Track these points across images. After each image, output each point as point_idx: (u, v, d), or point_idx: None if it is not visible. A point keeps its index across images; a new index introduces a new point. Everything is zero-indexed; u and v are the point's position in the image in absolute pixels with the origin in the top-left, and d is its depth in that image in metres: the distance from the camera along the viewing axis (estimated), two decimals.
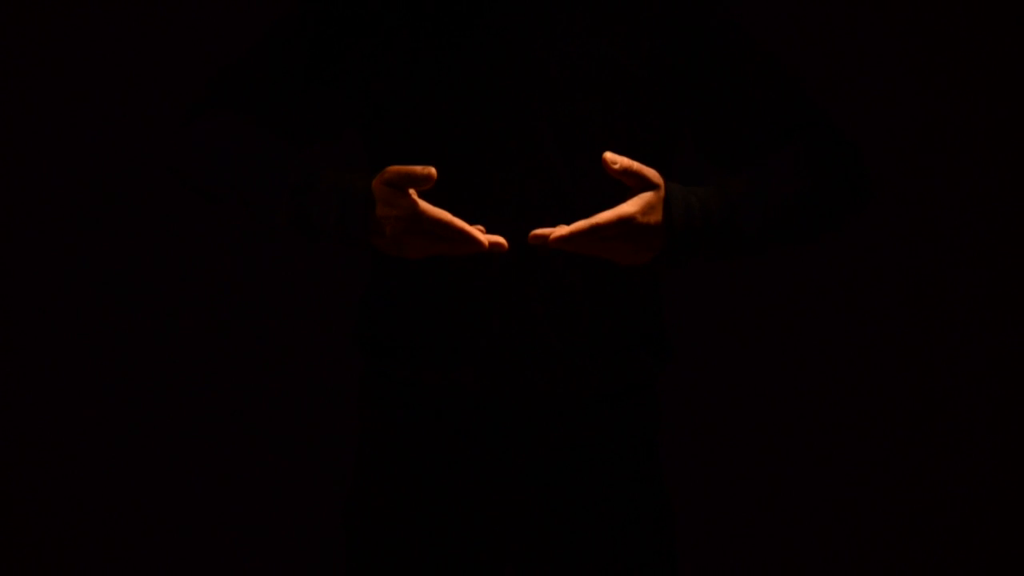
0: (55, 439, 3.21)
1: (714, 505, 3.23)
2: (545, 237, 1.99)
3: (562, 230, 1.98)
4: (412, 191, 1.98)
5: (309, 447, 3.22)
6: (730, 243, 2.09)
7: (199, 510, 3.23)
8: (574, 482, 2.19)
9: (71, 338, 3.19)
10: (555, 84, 2.11)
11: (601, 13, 2.14)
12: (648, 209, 2.01)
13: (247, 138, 2.17)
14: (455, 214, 2.11)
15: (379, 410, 2.24)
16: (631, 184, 2.03)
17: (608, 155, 2.01)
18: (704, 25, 2.18)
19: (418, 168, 1.98)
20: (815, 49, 3.09)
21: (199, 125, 2.20)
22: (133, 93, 3.13)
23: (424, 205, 1.99)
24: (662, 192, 2.03)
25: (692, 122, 2.21)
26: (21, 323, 3.18)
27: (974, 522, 3.19)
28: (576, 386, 2.17)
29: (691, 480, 3.15)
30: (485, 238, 1.99)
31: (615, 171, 2.02)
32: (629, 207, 2.00)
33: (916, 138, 3.13)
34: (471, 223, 2.10)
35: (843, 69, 3.11)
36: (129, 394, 3.20)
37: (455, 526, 2.19)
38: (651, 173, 2.03)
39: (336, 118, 2.23)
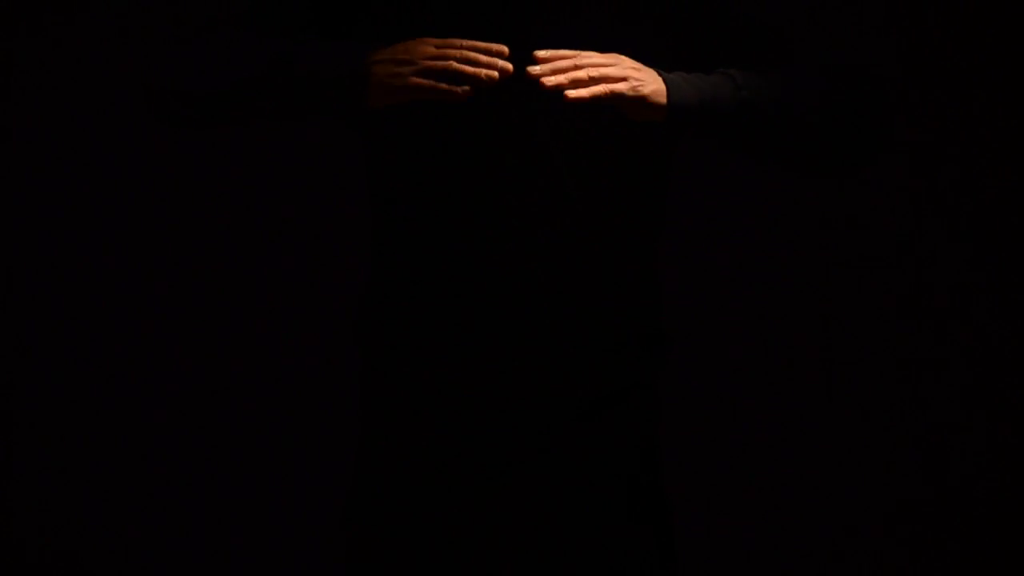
0: (54, 437, 3.20)
1: (714, 504, 3.23)
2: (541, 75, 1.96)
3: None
4: None
5: (309, 446, 3.22)
6: (730, 94, 2.04)
7: (198, 509, 3.22)
8: (573, 480, 2.19)
9: (70, 337, 3.19)
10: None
11: (601, 8, 2.13)
12: (635, 62, 2.02)
13: (228, 32, 2.10)
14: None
15: (379, 409, 2.24)
16: None
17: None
18: (704, 12, 2.16)
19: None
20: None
21: (181, 42, 2.12)
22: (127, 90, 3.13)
23: None
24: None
25: None
26: (20, 322, 3.18)
27: (973, 522, 3.19)
28: (576, 384, 2.17)
29: (691, 479, 3.14)
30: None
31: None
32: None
33: (915, 137, 3.13)
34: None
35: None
36: (128, 393, 3.20)
37: (454, 524, 2.18)
38: None
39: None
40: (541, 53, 1.98)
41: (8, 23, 3.12)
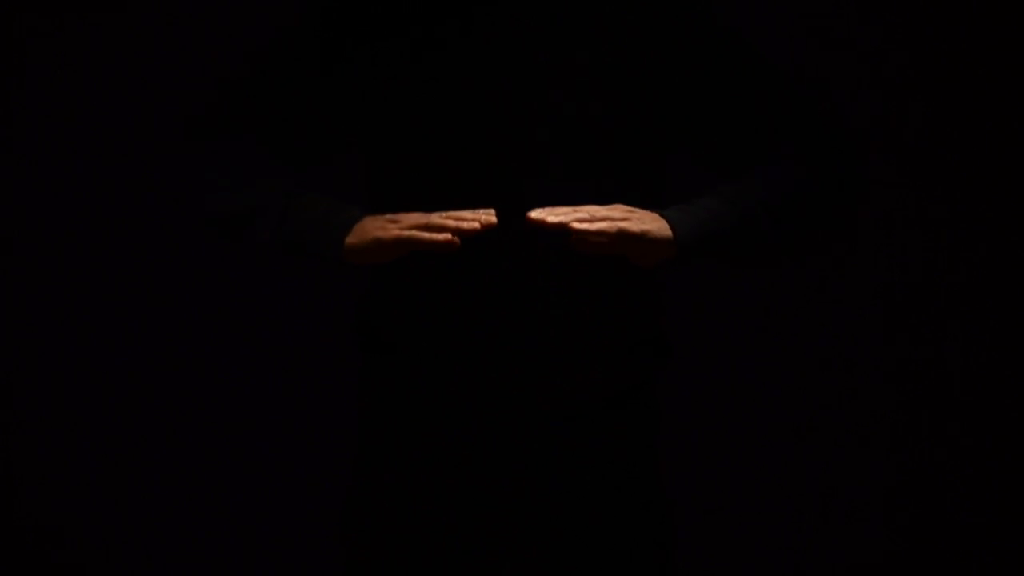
0: (55, 438, 3.21)
1: (713, 505, 3.23)
2: (544, 220, 1.98)
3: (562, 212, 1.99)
4: None
5: (308, 447, 3.22)
6: (728, 214, 2.07)
7: (197, 509, 3.23)
8: (573, 482, 2.19)
9: (70, 337, 3.19)
10: (553, 89, 2.11)
11: (595, 21, 2.14)
12: (629, 207, 2.03)
13: (250, 163, 2.16)
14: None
15: (378, 409, 2.24)
16: None
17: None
18: (692, 27, 2.18)
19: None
20: (809, 48, 3.10)
21: (203, 153, 2.18)
22: (130, 92, 3.14)
23: None
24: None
25: (684, 123, 2.20)
26: (20, 323, 3.18)
27: (972, 522, 3.19)
28: (576, 386, 2.18)
29: (690, 480, 3.15)
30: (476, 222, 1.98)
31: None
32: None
33: (914, 140, 3.14)
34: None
35: (838, 68, 3.11)
36: (128, 393, 3.20)
37: (453, 526, 2.19)
38: None
39: (335, 132, 2.22)
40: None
41: (9, 24, 3.13)
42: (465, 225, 1.97)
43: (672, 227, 2.03)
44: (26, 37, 3.13)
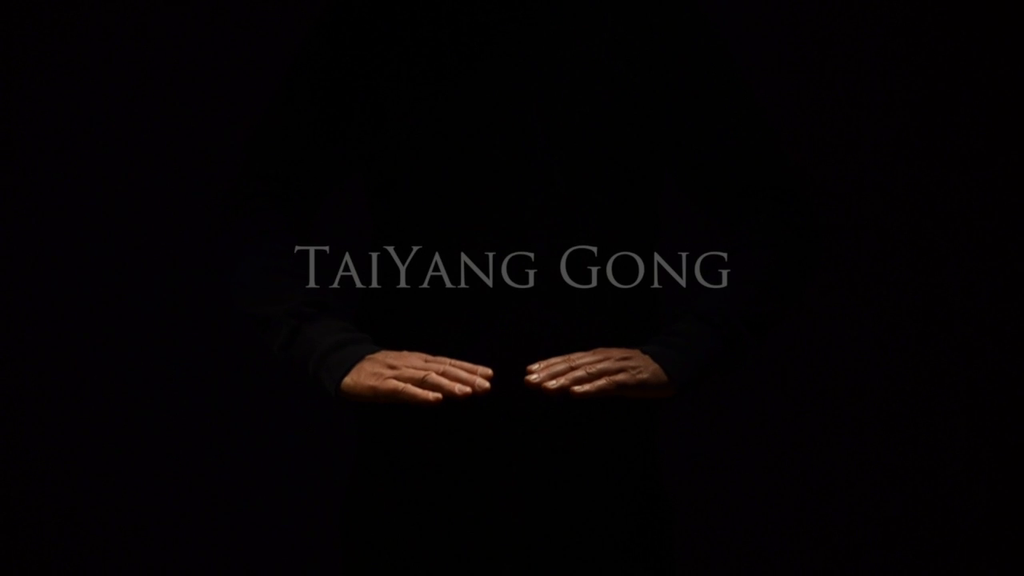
0: (55, 439, 3.21)
1: (713, 507, 3.23)
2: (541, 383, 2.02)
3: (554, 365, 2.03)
4: None
5: (308, 449, 3.22)
6: (716, 340, 2.12)
7: (197, 510, 3.23)
8: (573, 484, 2.19)
9: (71, 338, 3.20)
10: (555, 108, 2.13)
11: (597, 44, 2.16)
12: (622, 351, 2.07)
13: (276, 244, 2.19)
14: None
15: (377, 413, 2.25)
16: None
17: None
18: (689, 55, 2.19)
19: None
20: (805, 50, 3.10)
21: (232, 235, 2.21)
22: (133, 95, 3.14)
23: None
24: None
25: (670, 149, 2.22)
26: (22, 325, 3.19)
27: (970, 523, 3.19)
28: None
29: (690, 480, 3.15)
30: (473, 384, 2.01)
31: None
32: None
33: (913, 142, 3.14)
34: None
35: (833, 71, 3.12)
36: (128, 394, 3.21)
37: (452, 529, 2.19)
38: None
39: (349, 161, 2.26)
40: (533, 367, 2.03)
41: (8, 24, 3.13)
42: (457, 390, 2.00)
43: (667, 372, 2.06)
44: (26, 37, 3.13)
